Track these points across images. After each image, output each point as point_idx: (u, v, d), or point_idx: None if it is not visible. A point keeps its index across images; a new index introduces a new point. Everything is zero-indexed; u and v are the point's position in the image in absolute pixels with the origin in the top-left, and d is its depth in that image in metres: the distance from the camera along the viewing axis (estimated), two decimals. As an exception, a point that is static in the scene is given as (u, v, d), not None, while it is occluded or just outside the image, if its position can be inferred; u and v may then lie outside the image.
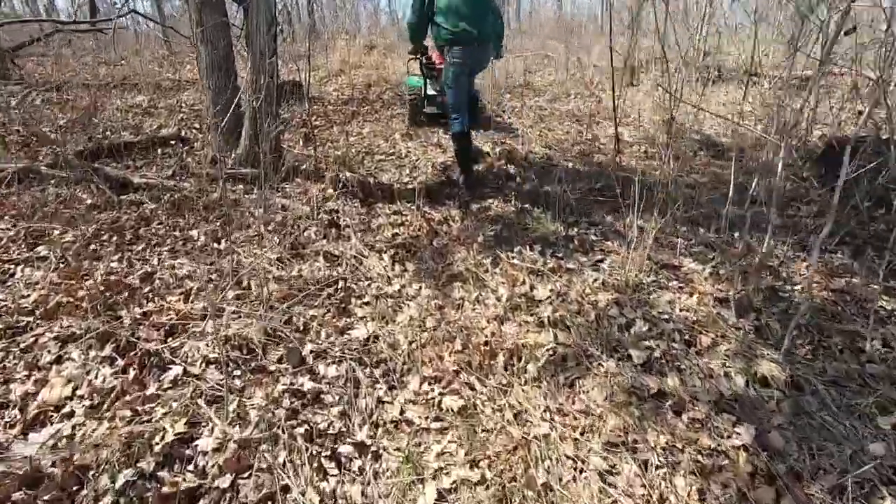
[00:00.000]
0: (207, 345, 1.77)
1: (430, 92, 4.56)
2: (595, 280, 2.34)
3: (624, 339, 1.94)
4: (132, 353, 1.70)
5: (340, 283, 2.27)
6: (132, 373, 1.63)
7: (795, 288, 2.32)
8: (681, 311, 2.12)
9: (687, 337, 1.96)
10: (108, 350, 1.72)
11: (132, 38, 10.16)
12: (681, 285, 2.32)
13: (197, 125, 4.52)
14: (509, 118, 5.13)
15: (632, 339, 1.94)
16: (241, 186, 3.12)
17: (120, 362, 1.68)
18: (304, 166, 3.59)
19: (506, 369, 1.80)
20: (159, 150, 3.86)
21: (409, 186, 3.44)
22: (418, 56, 3.90)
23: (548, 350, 1.86)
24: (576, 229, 2.84)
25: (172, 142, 3.95)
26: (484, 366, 1.81)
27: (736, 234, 2.76)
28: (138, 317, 1.89)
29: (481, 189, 3.39)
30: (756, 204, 2.78)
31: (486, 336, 1.96)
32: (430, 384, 1.74)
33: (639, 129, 4.95)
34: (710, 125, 5.04)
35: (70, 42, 8.95)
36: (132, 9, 4.90)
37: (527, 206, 3.10)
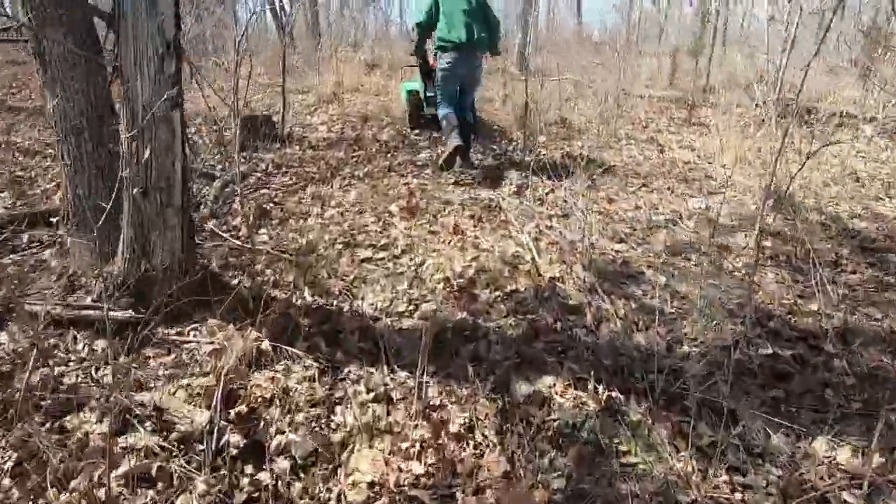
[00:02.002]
0: None
1: (430, 94, 4.43)
2: None
3: None
4: None
5: None
6: None
7: None
8: None
9: None
10: None
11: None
12: None
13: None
14: (549, 176, 3.76)
15: None
16: (100, 345, 1.75)
17: None
18: (236, 279, 2.23)
19: None
20: (26, 238, 2.51)
21: (407, 323, 2.08)
22: (418, 59, 4.25)
23: None
24: (723, 474, 1.45)
25: (54, 220, 2.61)
26: None
27: None
28: None
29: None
30: None
31: None
32: None
33: (727, 197, 3.57)
34: (827, 196, 3.65)
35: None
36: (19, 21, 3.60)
37: (613, 392, 1.71)
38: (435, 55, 3.82)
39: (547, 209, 3.19)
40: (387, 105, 5.59)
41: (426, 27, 3.79)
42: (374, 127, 4.95)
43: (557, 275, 2.38)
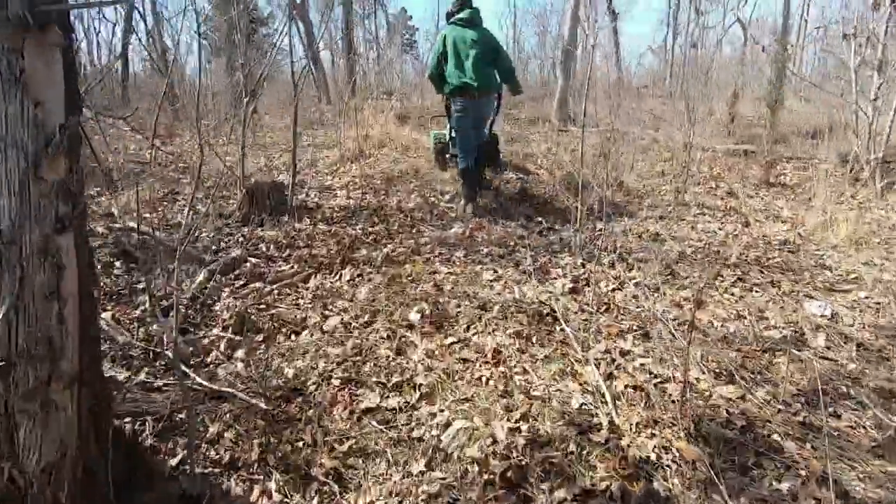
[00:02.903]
0: None
1: (453, 135, 4.39)
2: None
3: None
4: None
5: None
6: None
7: None
8: None
9: None
10: None
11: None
12: None
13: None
14: (612, 263, 3.00)
15: None
16: None
17: None
18: (176, 458, 1.54)
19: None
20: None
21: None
22: (446, 101, 4.19)
23: None
24: None
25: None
26: None
27: None
28: None
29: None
30: None
31: None
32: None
33: (857, 300, 2.70)
34: None
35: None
36: None
37: None
38: (448, 101, 4.02)
39: (616, 318, 2.40)
40: (416, 164, 5.00)
41: (436, 77, 3.99)
42: (399, 191, 4.34)
43: (651, 455, 1.58)
